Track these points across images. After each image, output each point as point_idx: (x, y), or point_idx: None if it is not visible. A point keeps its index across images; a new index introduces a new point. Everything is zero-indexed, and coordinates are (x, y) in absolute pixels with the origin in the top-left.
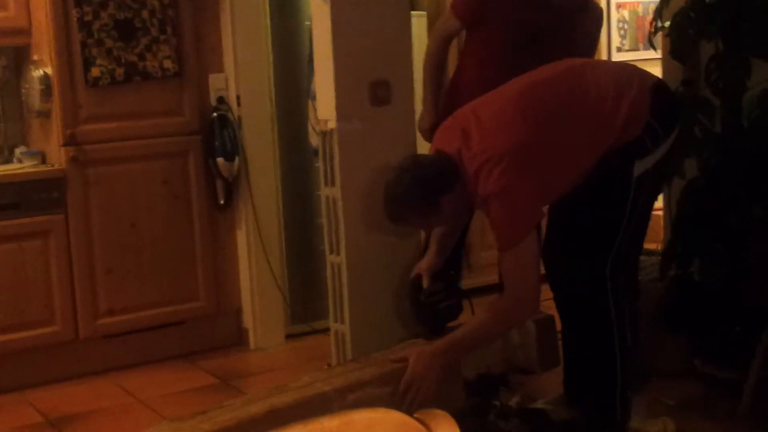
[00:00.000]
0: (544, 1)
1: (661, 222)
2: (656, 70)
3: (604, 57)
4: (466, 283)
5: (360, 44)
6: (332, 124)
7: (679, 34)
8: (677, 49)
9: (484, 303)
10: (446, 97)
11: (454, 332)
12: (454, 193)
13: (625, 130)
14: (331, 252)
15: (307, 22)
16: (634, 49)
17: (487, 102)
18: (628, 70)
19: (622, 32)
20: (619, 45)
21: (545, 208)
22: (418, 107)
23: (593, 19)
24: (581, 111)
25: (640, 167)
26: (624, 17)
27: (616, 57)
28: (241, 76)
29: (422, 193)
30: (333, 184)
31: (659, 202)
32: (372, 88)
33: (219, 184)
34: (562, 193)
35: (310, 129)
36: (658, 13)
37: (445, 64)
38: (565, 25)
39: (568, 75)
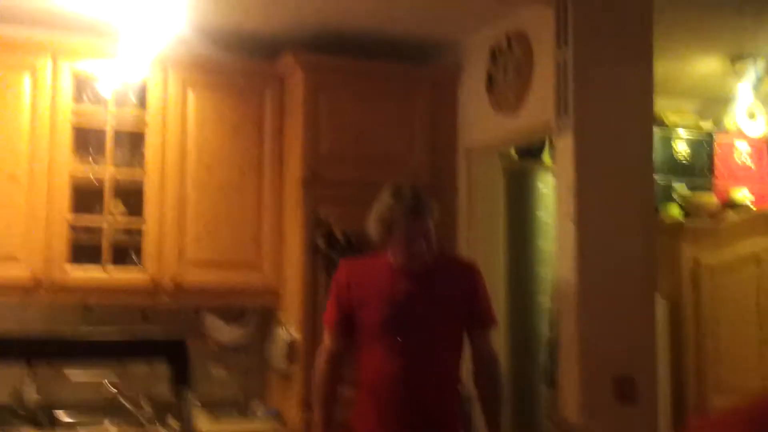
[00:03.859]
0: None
1: None
2: None
3: None
4: None
5: (605, 334)
6: (574, 419)
7: None
8: None
9: None
10: None
11: None
12: None
13: None
14: None
15: (541, 302)
16: None
17: None
18: None
19: None
20: None
21: None
22: (662, 408)
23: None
24: None
25: None
26: None
27: None
28: None
29: None
30: None
31: None
32: (616, 384)
33: None
34: None
35: (543, 419)
36: None
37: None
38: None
39: None
